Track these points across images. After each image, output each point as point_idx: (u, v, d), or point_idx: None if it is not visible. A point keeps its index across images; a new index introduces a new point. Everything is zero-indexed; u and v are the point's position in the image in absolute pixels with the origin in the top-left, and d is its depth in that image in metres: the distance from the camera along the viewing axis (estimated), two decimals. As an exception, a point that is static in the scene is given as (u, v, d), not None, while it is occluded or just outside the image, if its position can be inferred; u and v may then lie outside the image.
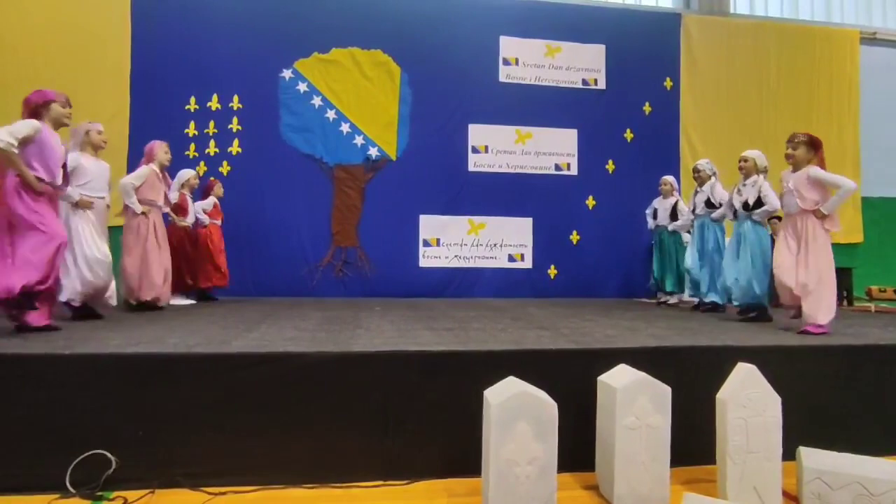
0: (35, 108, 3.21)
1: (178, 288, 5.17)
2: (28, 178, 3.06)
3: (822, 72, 7.90)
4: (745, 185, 4.36)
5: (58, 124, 3.32)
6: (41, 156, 3.16)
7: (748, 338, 3.21)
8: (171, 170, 5.21)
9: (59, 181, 3.30)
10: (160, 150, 4.68)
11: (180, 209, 5.25)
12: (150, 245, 4.46)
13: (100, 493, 2.17)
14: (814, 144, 3.54)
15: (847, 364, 2.91)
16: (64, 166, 3.37)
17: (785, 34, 7.84)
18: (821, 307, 3.38)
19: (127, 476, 2.23)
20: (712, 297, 4.96)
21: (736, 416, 2.21)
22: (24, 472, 2.21)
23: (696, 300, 5.27)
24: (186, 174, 5.44)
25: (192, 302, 5.32)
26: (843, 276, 6.62)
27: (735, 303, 4.40)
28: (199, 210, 5.54)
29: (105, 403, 2.31)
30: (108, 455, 2.22)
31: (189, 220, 5.35)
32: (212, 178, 6.01)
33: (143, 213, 4.43)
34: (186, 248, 5.28)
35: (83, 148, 3.93)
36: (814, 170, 3.49)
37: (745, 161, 4.37)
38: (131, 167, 5.22)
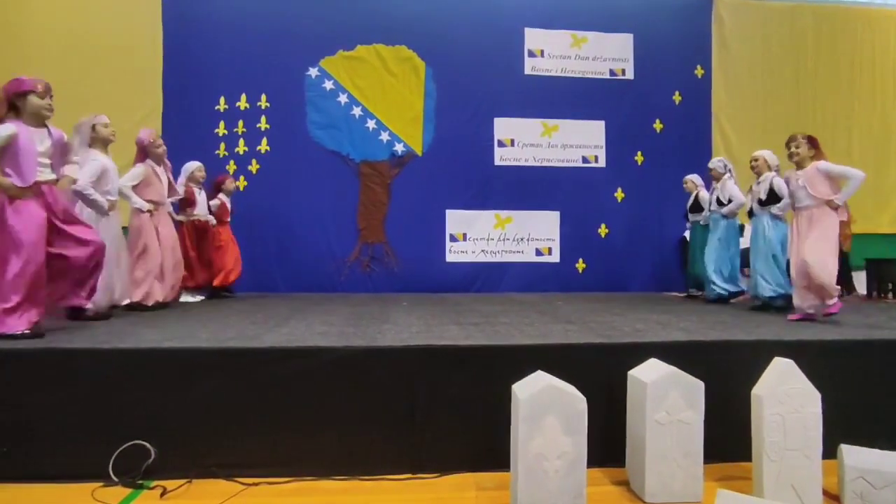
0: (11, 100, 2.88)
1: (187, 285, 5.02)
2: (4, 183, 2.80)
3: (863, 55, 7.53)
4: (758, 183, 4.52)
5: (38, 118, 2.93)
6: (14, 160, 2.83)
7: (784, 332, 3.12)
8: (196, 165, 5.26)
9: (34, 179, 2.89)
10: (151, 144, 4.27)
11: (188, 203, 5.04)
12: (155, 246, 4.23)
13: (140, 482, 2.25)
14: (812, 143, 3.72)
15: (890, 359, 2.80)
16: (64, 154, 3.16)
17: (823, 16, 7.50)
18: (826, 287, 3.48)
19: (166, 466, 2.31)
20: (734, 289, 5.01)
21: (773, 412, 2.15)
22: (70, 460, 2.31)
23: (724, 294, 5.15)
24: (191, 167, 5.11)
25: (202, 298, 5.16)
26: (889, 268, 6.36)
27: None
28: (207, 211, 5.32)
29: (144, 396, 2.39)
30: (148, 445, 2.31)
31: (199, 212, 5.13)
32: (226, 174, 5.97)
33: (148, 210, 4.17)
34: (194, 244, 5.10)
35: (92, 144, 3.56)
36: (822, 163, 3.64)
37: (756, 160, 4.58)
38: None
